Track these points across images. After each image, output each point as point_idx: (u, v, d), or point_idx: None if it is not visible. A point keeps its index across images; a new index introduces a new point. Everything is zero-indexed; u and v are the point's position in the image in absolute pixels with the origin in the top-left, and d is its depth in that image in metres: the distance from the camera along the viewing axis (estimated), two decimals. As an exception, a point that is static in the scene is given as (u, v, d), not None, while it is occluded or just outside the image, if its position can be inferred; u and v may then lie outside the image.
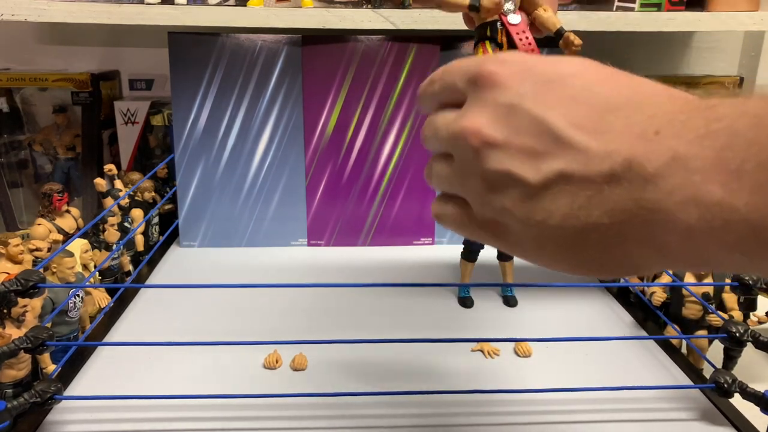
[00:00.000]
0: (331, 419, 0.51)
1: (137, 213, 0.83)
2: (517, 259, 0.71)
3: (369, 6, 0.82)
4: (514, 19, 0.43)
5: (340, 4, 0.81)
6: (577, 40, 0.46)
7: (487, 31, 0.44)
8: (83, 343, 0.60)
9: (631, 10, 0.86)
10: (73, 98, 0.98)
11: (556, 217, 0.25)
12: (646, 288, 0.71)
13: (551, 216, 0.25)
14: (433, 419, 0.51)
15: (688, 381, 0.57)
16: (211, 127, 0.85)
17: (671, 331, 0.66)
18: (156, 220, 0.89)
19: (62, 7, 0.78)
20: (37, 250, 0.65)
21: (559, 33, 0.46)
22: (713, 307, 0.65)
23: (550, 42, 0.51)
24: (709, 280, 0.65)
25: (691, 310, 0.66)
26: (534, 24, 0.46)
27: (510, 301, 0.71)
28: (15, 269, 0.60)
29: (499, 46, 0.44)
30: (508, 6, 0.43)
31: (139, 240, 0.84)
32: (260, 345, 0.58)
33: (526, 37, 0.43)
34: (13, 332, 0.53)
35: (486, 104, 0.27)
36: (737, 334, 0.53)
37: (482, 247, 0.71)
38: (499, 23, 0.43)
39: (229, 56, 0.83)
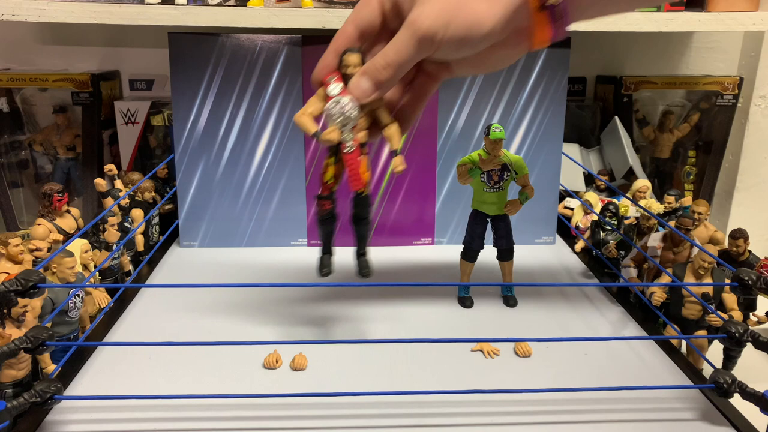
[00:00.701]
0: (331, 419, 0.51)
1: (137, 213, 0.83)
2: (516, 260, 0.71)
3: (369, 6, 0.82)
4: (348, 148, 0.50)
5: (340, 4, 0.81)
6: (399, 168, 0.51)
7: (333, 148, 0.52)
8: (83, 343, 0.60)
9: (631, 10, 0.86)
10: (74, 98, 0.99)
11: None
12: (645, 288, 0.71)
13: None
14: (433, 419, 0.51)
15: (688, 381, 0.57)
16: (211, 127, 0.85)
17: (671, 331, 0.66)
18: (156, 220, 0.89)
19: (62, 7, 0.78)
20: (37, 250, 0.65)
21: (393, 153, 0.52)
22: (713, 307, 0.65)
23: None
24: (708, 280, 0.65)
25: (690, 310, 0.66)
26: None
27: (510, 301, 0.71)
28: (15, 269, 0.60)
29: (338, 162, 0.53)
30: (346, 137, 0.50)
31: (139, 240, 0.84)
32: (260, 345, 0.58)
33: (356, 165, 0.51)
34: (13, 332, 0.53)
35: None
36: (737, 334, 0.53)
37: (482, 247, 0.70)
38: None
39: (229, 56, 0.83)
